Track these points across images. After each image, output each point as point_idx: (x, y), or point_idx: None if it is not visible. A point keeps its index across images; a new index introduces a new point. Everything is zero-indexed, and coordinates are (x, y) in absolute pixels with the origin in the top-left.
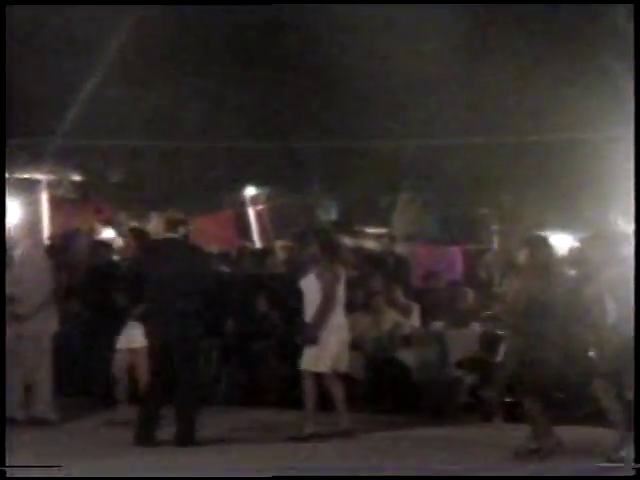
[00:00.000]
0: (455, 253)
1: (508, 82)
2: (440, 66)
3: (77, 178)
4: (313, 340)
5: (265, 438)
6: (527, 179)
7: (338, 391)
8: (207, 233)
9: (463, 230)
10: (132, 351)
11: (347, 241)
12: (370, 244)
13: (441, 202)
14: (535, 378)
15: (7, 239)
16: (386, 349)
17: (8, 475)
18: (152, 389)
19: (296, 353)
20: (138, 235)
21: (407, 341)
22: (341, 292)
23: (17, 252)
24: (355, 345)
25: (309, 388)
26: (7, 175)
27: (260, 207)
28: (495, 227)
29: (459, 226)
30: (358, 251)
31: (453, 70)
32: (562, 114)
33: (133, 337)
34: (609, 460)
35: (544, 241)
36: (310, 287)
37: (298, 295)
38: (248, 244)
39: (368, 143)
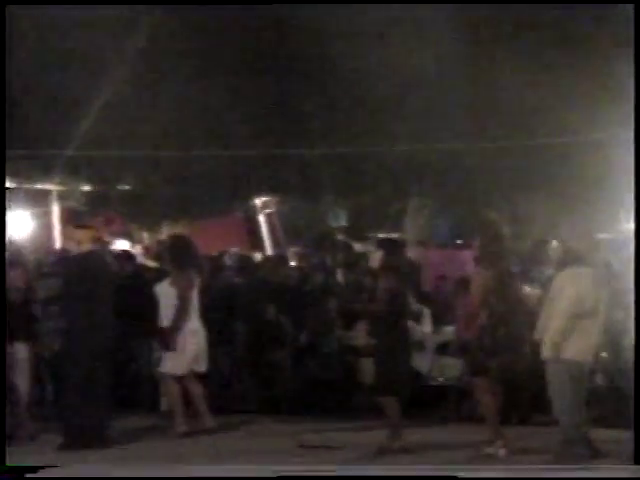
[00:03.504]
0: (466, 257)
1: (516, 86)
2: (448, 71)
3: (88, 189)
4: (171, 345)
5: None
6: (538, 182)
7: (198, 391)
8: (217, 237)
9: (474, 234)
10: None
11: (358, 247)
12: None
13: (452, 207)
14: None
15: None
16: None
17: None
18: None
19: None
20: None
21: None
22: (195, 298)
23: None
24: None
25: (172, 390)
26: (17, 185)
27: (270, 211)
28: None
29: (470, 230)
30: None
31: (461, 75)
32: (570, 116)
33: None
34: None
35: None
36: (165, 293)
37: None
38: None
39: (378, 149)
